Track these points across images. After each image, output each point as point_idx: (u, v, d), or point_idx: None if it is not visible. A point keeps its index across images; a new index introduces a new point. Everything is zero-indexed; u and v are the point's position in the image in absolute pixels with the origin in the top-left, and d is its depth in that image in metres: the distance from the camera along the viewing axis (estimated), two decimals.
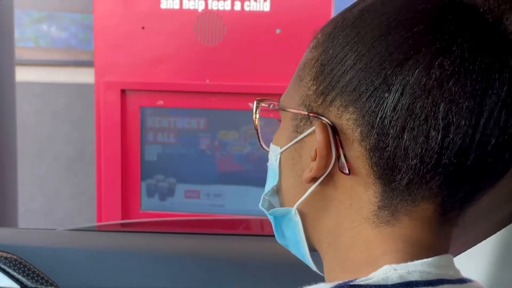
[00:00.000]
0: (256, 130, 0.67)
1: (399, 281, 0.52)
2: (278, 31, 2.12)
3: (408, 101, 0.52)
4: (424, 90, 0.52)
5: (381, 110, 0.53)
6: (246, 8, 2.13)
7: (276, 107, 0.63)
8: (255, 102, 0.66)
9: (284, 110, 0.61)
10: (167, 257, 1.22)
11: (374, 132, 0.53)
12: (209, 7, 2.14)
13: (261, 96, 0.67)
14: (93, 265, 1.21)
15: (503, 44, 0.53)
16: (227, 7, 2.14)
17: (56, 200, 3.23)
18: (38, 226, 3.13)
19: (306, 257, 0.64)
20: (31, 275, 1.15)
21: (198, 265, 1.21)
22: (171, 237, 1.37)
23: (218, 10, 2.14)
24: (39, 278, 1.15)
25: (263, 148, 0.67)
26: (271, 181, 0.64)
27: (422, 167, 0.53)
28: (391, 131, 0.52)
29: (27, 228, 1.43)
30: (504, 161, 0.55)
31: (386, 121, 0.52)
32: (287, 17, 2.11)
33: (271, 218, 0.65)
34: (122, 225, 2.04)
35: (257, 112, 0.66)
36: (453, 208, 0.57)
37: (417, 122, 0.52)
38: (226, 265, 1.21)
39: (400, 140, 0.52)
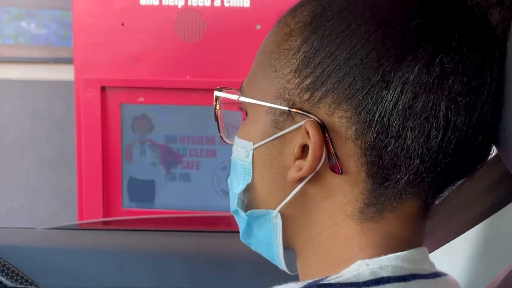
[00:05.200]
0: (217, 122, 0.64)
1: (370, 277, 0.51)
2: (258, 27, 2.12)
3: (408, 99, 0.50)
4: (425, 88, 0.50)
5: (380, 108, 0.51)
6: (226, 4, 2.12)
7: (246, 100, 0.59)
8: (215, 92, 0.63)
9: (258, 103, 0.58)
10: (149, 254, 1.21)
11: (372, 130, 0.52)
12: (189, 3, 2.13)
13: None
14: (74, 264, 1.20)
15: (490, 39, 0.53)
16: (207, 3, 2.13)
17: (38, 200, 3.20)
18: (20, 226, 3.11)
19: (278, 258, 0.61)
20: (10, 274, 1.14)
21: (180, 263, 1.20)
22: (153, 235, 1.36)
23: (198, 6, 2.13)
24: (18, 277, 1.14)
25: (224, 141, 0.64)
26: (242, 179, 0.60)
27: (421, 166, 0.52)
28: (391, 130, 0.51)
29: (5, 227, 1.41)
30: (484, 156, 0.56)
31: (385, 119, 0.51)
32: (267, 13, 2.09)
33: (243, 219, 0.62)
34: (104, 223, 2.03)
35: (217, 103, 0.63)
36: (434, 203, 0.57)
37: (418, 121, 0.51)
38: (209, 262, 1.20)
39: (402, 140, 0.51)
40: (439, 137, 0.51)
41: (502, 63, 0.52)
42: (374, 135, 0.52)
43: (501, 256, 0.93)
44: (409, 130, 0.51)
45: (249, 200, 0.62)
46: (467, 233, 0.94)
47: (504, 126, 0.53)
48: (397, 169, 0.52)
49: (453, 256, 0.98)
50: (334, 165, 0.54)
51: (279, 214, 0.58)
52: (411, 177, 0.52)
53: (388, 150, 0.52)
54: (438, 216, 0.59)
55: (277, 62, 0.57)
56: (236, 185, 0.62)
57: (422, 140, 0.51)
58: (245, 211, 0.62)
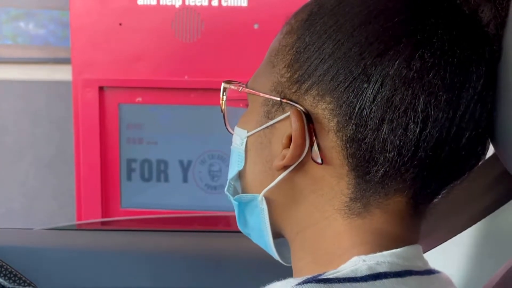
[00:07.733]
0: (223, 112, 0.66)
1: (368, 272, 0.52)
2: (256, 26, 2.12)
3: (388, 92, 0.51)
4: (404, 82, 0.51)
5: (360, 101, 0.52)
6: (224, 4, 2.12)
7: (246, 90, 0.62)
8: (222, 84, 0.64)
9: (255, 93, 0.60)
10: (147, 255, 1.21)
11: (352, 123, 0.52)
12: (187, 3, 2.13)
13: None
14: (72, 264, 1.19)
15: (479, 36, 0.53)
16: (205, 2, 2.13)
17: (37, 200, 3.20)
18: (19, 226, 3.10)
19: (269, 247, 0.63)
20: (8, 275, 1.14)
21: (179, 262, 1.20)
22: (152, 235, 1.36)
23: (195, 5, 2.13)
24: (16, 278, 1.14)
25: (229, 131, 0.66)
26: (236, 165, 0.62)
27: (399, 159, 0.52)
28: (370, 123, 0.52)
29: (3, 228, 1.42)
30: (476, 154, 0.56)
31: (364, 112, 0.52)
32: (265, 12, 2.10)
33: (235, 204, 0.64)
34: (102, 223, 2.03)
35: (224, 95, 0.65)
36: (424, 201, 0.57)
37: (397, 114, 0.51)
38: (208, 262, 1.20)
39: (379, 132, 0.52)
40: (417, 131, 0.52)
41: (497, 61, 0.53)
42: (354, 127, 0.53)
43: (500, 255, 0.93)
44: (387, 123, 0.52)
45: (242, 188, 0.63)
46: (465, 231, 0.94)
47: (500, 125, 0.53)
48: (375, 162, 0.53)
49: (451, 255, 0.98)
50: (315, 155, 0.55)
51: (264, 199, 0.60)
52: (388, 170, 0.53)
53: (366, 142, 0.53)
54: (437, 214, 0.59)
55: (275, 58, 0.59)
56: (231, 171, 0.64)
57: (399, 133, 0.52)
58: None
